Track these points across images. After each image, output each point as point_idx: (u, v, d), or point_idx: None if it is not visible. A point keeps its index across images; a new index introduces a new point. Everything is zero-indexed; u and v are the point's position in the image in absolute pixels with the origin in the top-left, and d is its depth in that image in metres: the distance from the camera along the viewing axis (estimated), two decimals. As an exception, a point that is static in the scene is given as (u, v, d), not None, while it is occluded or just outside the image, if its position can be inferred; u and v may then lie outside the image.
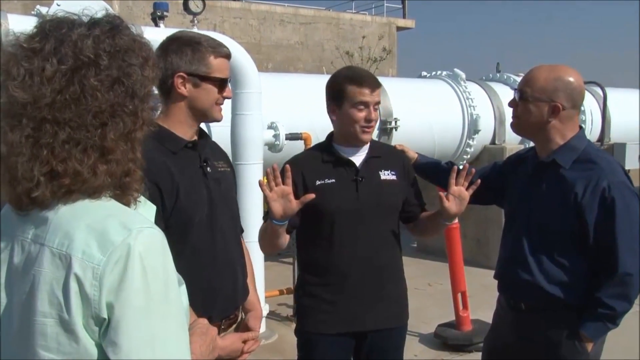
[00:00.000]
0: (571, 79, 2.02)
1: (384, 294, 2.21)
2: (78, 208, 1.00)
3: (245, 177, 4.25)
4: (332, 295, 2.15)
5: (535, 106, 2.02)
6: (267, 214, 2.17)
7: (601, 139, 7.28)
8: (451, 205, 2.10)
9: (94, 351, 0.96)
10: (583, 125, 7.82)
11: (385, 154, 2.28)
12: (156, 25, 4.35)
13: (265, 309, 4.48)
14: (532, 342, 2.10)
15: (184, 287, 1.13)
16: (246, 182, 4.26)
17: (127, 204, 1.06)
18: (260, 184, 1.96)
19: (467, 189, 2.11)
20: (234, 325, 1.94)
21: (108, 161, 1.00)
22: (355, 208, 2.12)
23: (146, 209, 1.14)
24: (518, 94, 2.07)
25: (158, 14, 4.30)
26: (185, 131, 1.83)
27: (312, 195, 1.95)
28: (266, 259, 4.56)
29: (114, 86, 1.00)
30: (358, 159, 2.19)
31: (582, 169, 1.99)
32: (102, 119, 0.99)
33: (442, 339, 4.31)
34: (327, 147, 2.22)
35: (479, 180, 2.13)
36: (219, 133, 4.50)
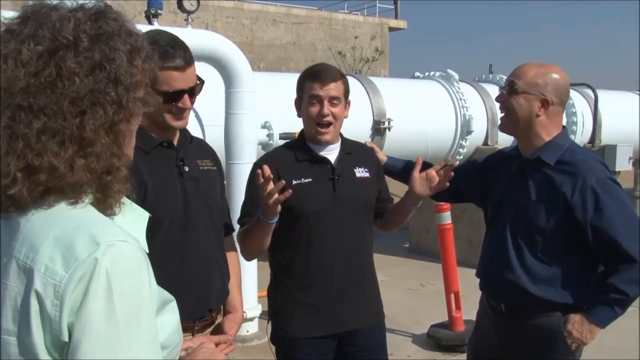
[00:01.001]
0: (558, 76, 2.05)
1: (364, 292, 2.19)
2: (50, 216, 0.91)
3: (238, 176, 4.22)
4: (313, 298, 2.11)
5: (525, 99, 2.02)
6: (244, 217, 2.11)
7: (592, 140, 7.33)
8: (421, 181, 2.12)
9: None
10: (575, 127, 7.86)
11: (356, 150, 2.24)
12: (150, 23, 4.33)
13: (257, 309, 4.46)
14: (514, 345, 2.09)
15: (173, 304, 1.04)
16: (240, 182, 4.23)
17: (109, 208, 0.97)
18: (261, 190, 1.85)
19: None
20: (211, 327, 1.89)
21: (87, 154, 0.91)
22: (333, 208, 2.09)
23: (136, 216, 1.04)
24: (507, 87, 2.06)
25: (152, 11, 4.27)
26: (158, 131, 1.78)
27: (289, 192, 1.87)
28: (259, 258, 4.53)
29: (95, 71, 0.91)
30: (332, 156, 2.16)
31: (567, 166, 2.00)
32: (80, 107, 0.90)
33: (435, 339, 4.32)
34: (300, 144, 2.18)
35: (452, 173, 2.12)
36: (213, 132, 4.49)
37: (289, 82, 5.76)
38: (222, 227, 1.97)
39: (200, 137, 4.43)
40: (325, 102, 2.07)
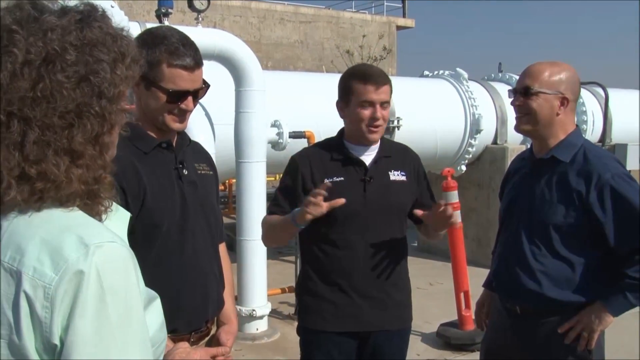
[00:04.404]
0: (571, 72, 2.04)
1: (387, 295, 2.18)
2: (35, 218, 0.91)
3: (248, 175, 4.24)
4: (335, 295, 2.13)
5: (545, 99, 2.00)
6: (275, 206, 2.16)
7: (602, 139, 7.29)
8: (441, 213, 2.00)
9: None
10: (585, 126, 7.78)
11: (395, 153, 2.22)
12: (160, 22, 4.34)
13: (267, 307, 4.47)
14: (529, 346, 2.08)
15: (158, 302, 1.06)
16: (249, 180, 4.25)
17: (98, 214, 0.98)
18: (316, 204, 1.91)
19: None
20: (206, 339, 1.85)
21: (78, 166, 0.93)
22: (362, 209, 2.08)
23: (119, 217, 1.06)
24: (523, 90, 2.04)
25: (162, 10, 4.29)
26: (156, 132, 1.72)
27: (342, 200, 1.91)
28: (268, 257, 4.55)
29: (81, 84, 0.92)
30: (368, 158, 2.14)
31: (581, 165, 1.98)
32: (68, 120, 0.91)
33: (445, 338, 4.31)
34: (337, 144, 2.17)
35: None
36: (222, 131, 4.51)
37: (298, 81, 5.81)
38: (216, 234, 1.90)
39: (211, 135, 4.46)
40: (377, 106, 2.06)
